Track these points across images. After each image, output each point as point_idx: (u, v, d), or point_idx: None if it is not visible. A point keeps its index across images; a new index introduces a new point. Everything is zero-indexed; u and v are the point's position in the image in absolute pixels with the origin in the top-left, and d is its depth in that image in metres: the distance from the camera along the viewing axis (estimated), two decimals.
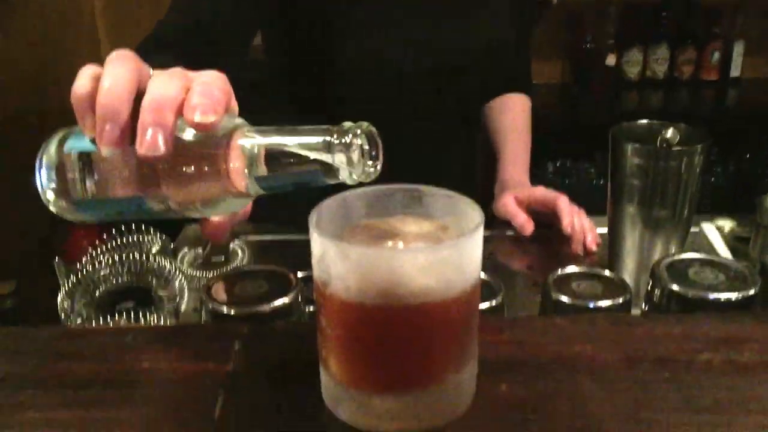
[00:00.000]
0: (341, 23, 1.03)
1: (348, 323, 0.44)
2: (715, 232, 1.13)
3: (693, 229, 1.10)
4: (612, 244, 0.99)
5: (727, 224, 1.15)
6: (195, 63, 0.51)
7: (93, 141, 0.47)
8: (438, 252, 0.42)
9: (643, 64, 2.28)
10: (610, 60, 2.26)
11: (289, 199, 1.03)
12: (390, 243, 0.46)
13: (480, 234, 0.44)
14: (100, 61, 0.48)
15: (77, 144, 0.49)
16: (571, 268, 0.76)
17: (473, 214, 0.45)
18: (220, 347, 0.54)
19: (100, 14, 2.34)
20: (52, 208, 0.51)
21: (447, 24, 1.09)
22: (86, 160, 0.49)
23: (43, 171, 0.50)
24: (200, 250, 1.00)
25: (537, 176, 2.16)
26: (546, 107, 2.28)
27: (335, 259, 0.42)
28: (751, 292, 0.61)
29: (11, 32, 2.40)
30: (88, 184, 0.48)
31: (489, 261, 1.04)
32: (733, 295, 0.61)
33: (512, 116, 1.29)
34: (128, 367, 0.53)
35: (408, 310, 0.42)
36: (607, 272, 0.75)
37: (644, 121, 0.98)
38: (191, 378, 0.51)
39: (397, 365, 0.44)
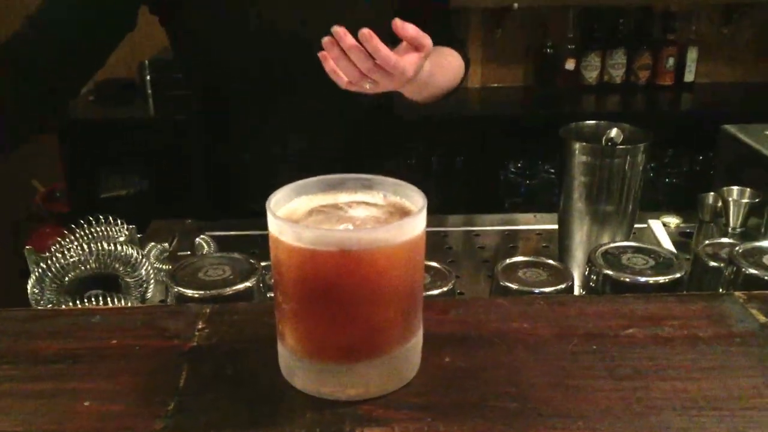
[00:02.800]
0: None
1: (301, 296, 0.48)
2: (662, 227, 1.19)
3: (641, 225, 1.17)
4: (561, 237, 1.05)
5: (673, 220, 1.21)
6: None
7: None
8: (384, 231, 0.47)
9: (601, 69, 2.35)
10: (570, 64, 2.33)
11: (249, 194, 1.05)
12: (341, 228, 0.50)
13: (423, 216, 0.48)
14: None
15: None
16: (519, 258, 0.81)
17: (417, 197, 0.50)
18: (184, 326, 0.58)
19: None
20: None
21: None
22: None
23: None
24: (166, 245, 1.03)
25: (499, 176, 2.23)
26: (508, 109, 2.35)
27: (290, 239, 0.46)
28: (677, 275, 0.67)
29: None
30: None
31: (447, 254, 1.09)
32: (661, 279, 0.67)
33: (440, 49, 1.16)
34: (97, 343, 0.56)
35: (356, 282, 0.46)
36: (551, 261, 0.80)
37: (591, 121, 1.04)
38: (157, 353, 0.55)
39: (347, 336, 0.48)
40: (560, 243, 1.06)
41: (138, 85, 2.33)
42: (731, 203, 1.05)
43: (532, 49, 2.38)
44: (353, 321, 0.48)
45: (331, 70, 0.85)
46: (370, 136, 1.24)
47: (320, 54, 0.83)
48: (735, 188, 1.07)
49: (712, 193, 1.12)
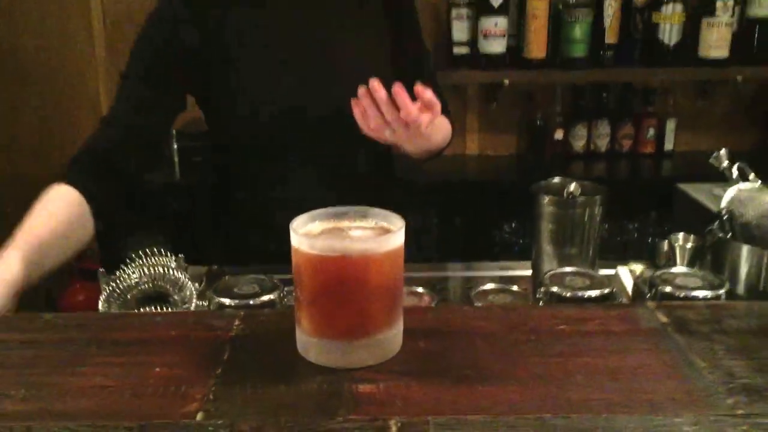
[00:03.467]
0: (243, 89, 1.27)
1: (314, 291, 0.67)
2: (628, 273, 1.37)
3: (610, 272, 1.35)
4: (534, 277, 1.23)
5: (638, 267, 1.40)
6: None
7: None
8: (373, 242, 0.66)
9: (587, 138, 2.57)
10: (558, 134, 2.55)
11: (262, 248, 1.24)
12: (342, 240, 0.69)
13: (401, 233, 0.68)
14: None
15: None
16: (489, 285, 1.00)
17: (397, 221, 0.69)
18: (225, 323, 0.77)
19: (104, 90, 2.61)
20: None
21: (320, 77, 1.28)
22: None
23: None
24: (197, 285, 1.23)
25: (495, 235, 2.43)
26: (503, 175, 2.56)
27: (307, 248, 0.66)
28: (606, 291, 0.86)
29: (21, 104, 2.66)
30: None
31: (440, 293, 1.27)
32: (594, 293, 0.85)
33: None
34: (160, 334, 0.75)
35: (353, 279, 0.65)
36: (515, 287, 0.99)
37: (557, 178, 1.24)
38: (206, 340, 0.74)
39: (347, 320, 0.67)
40: (533, 281, 1.24)
41: (165, 153, 2.57)
42: (677, 248, 1.24)
43: (523, 121, 2.61)
44: (351, 309, 0.67)
45: (359, 114, 1.04)
46: (371, 198, 1.45)
47: (353, 100, 1.03)
48: (681, 234, 1.26)
49: (666, 241, 1.31)
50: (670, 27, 2.34)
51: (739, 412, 0.61)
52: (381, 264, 0.66)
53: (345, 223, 0.72)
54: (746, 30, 2.39)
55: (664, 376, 0.66)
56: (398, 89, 1.00)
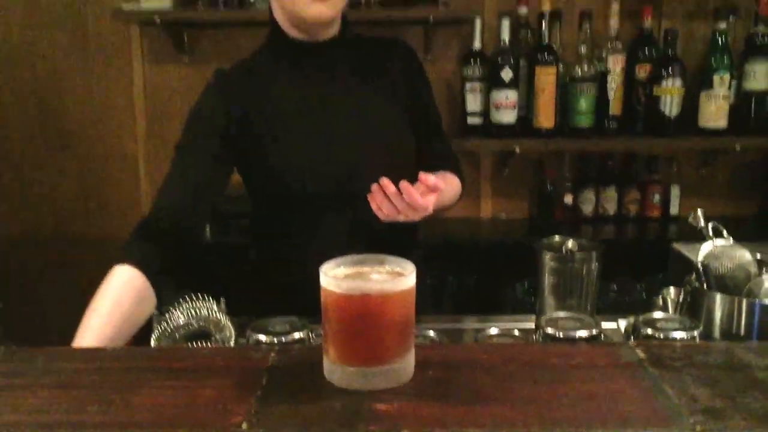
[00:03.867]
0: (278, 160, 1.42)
1: (339, 324, 0.80)
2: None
3: (612, 325, 1.46)
4: (537, 326, 1.35)
5: None
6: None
7: None
8: (389, 284, 0.79)
9: (595, 203, 2.71)
10: (568, 199, 2.69)
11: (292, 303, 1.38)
12: (364, 282, 0.82)
13: (413, 277, 0.81)
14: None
15: None
16: (493, 330, 1.12)
17: (409, 266, 0.83)
18: (263, 355, 0.90)
19: (143, 158, 2.80)
20: None
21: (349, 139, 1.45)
22: None
23: None
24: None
25: (508, 294, 2.54)
26: (515, 237, 2.69)
27: (334, 288, 0.79)
28: (594, 332, 0.97)
29: (64, 167, 2.85)
30: None
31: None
32: (583, 333, 0.97)
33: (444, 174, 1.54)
34: (208, 362, 0.88)
35: (372, 314, 0.78)
36: (516, 332, 1.11)
37: (557, 237, 1.37)
38: (246, 368, 0.86)
39: (367, 349, 0.80)
40: (536, 329, 1.35)
41: None
42: (669, 300, 1.35)
43: (534, 186, 2.76)
44: (370, 340, 0.80)
45: (376, 207, 1.26)
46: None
47: (369, 196, 1.24)
48: (672, 288, 1.37)
49: (660, 295, 1.43)
50: (670, 99, 2.49)
51: (698, 428, 0.72)
52: (395, 302, 0.79)
53: (366, 268, 0.86)
54: (743, 102, 2.53)
55: (637, 399, 0.78)
56: (405, 185, 1.21)
